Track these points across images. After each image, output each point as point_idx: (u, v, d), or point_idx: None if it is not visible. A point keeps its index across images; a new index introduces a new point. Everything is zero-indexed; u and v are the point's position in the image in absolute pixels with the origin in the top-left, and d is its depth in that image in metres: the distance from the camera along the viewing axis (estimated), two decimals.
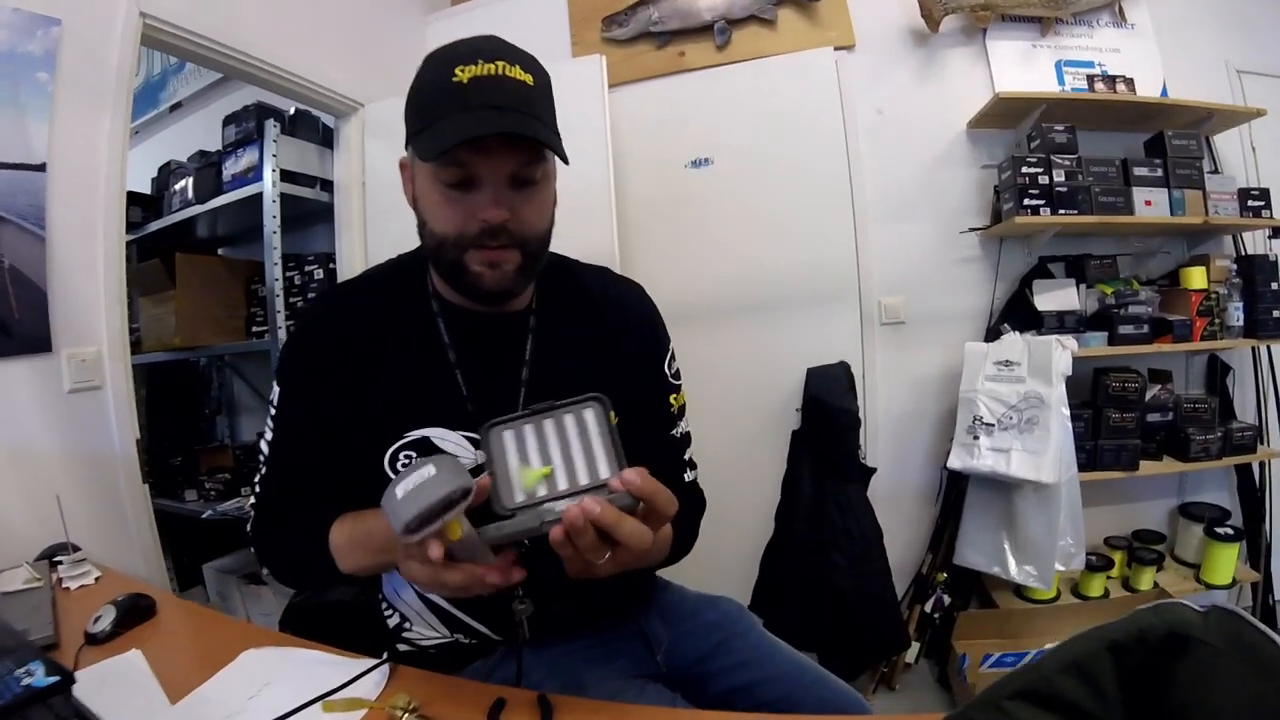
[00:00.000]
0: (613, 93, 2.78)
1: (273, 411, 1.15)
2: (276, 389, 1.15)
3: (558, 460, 0.91)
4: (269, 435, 1.16)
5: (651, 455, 1.19)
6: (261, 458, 1.17)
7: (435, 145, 0.94)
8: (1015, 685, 0.65)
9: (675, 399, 1.26)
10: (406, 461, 1.07)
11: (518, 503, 0.88)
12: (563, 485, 0.90)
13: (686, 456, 1.28)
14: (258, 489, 1.19)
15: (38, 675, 0.79)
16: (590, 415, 0.95)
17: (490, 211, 0.98)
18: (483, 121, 0.93)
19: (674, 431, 1.26)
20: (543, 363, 1.15)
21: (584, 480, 0.91)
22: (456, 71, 0.94)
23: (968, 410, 2.58)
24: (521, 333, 1.16)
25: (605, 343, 1.21)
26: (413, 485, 0.77)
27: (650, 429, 1.22)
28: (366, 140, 3.00)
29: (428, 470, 0.78)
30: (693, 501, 1.26)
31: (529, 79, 0.98)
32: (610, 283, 1.30)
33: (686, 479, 1.27)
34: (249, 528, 1.20)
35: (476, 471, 0.90)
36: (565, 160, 1.01)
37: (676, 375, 1.28)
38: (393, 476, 1.04)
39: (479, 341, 1.14)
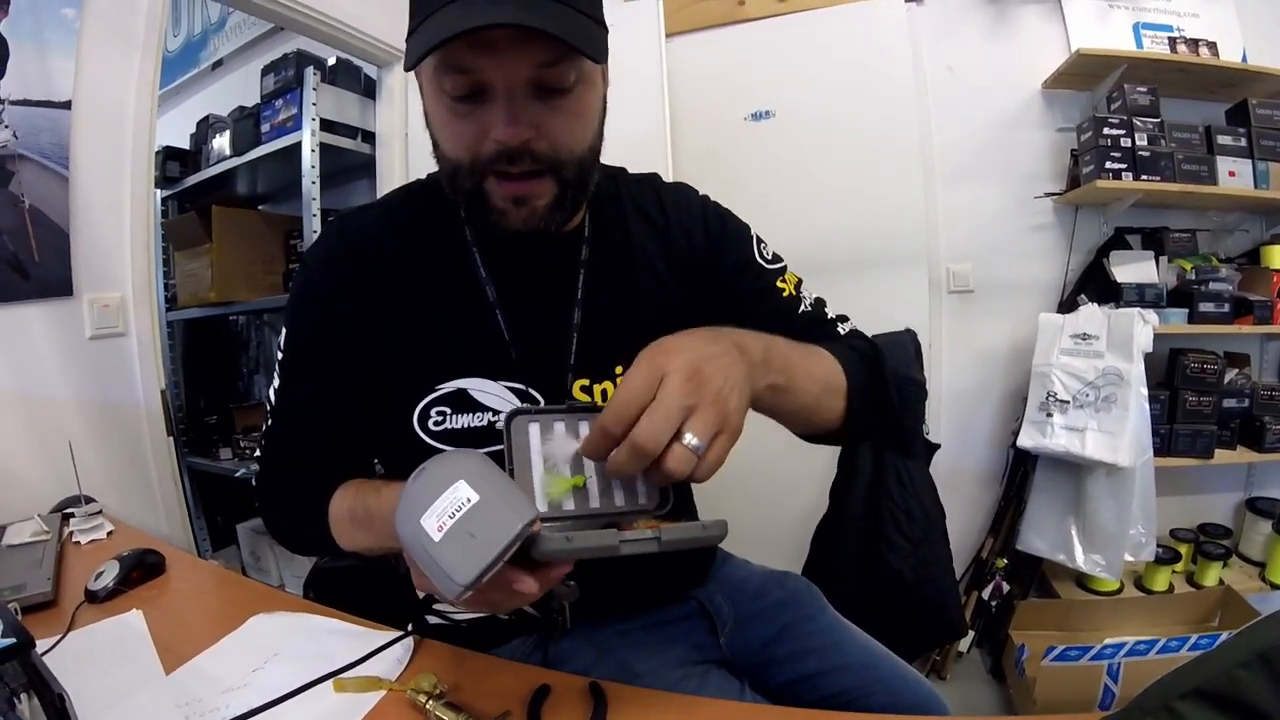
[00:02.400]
0: (668, 43, 2.68)
1: (279, 357, 1.00)
2: (284, 332, 1.00)
3: (590, 470, 0.78)
4: (276, 383, 1.01)
5: None
6: (268, 408, 1.03)
7: (412, 50, 0.76)
8: (1190, 682, 0.53)
9: (783, 282, 1.09)
10: (439, 420, 0.93)
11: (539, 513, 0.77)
12: (595, 504, 0.78)
13: (831, 317, 1.10)
14: (264, 443, 1.05)
15: None
16: None
17: (504, 130, 0.78)
18: (471, 11, 0.71)
19: (801, 310, 1.08)
20: (598, 300, 0.99)
21: (620, 502, 0.78)
22: None
23: (1041, 385, 2.45)
24: (572, 263, 1.00)
25: (675, 262, 1.06)
26: (452, 521, 0.60)
27: (775, 325, 1.02)
28: (410, 91, 2.91)
29: (461, 492, 0.61)
30: (859, 344, 1.08)
31: None
32: (662, 189, 1.13)
33: (844, 332, 1.10)
34: (254, 481, 1.09)
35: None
36: (597, 59, 0.78)
37: (775, 259, 1.11)
38: (423, 436, 0.93)
39: (522, 275, 0.97)
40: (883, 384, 1.04)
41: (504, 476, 0.64)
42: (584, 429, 0.81)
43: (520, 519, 0.59)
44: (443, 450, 0.91)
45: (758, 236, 1.12)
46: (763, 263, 1.10)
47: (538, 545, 0.62)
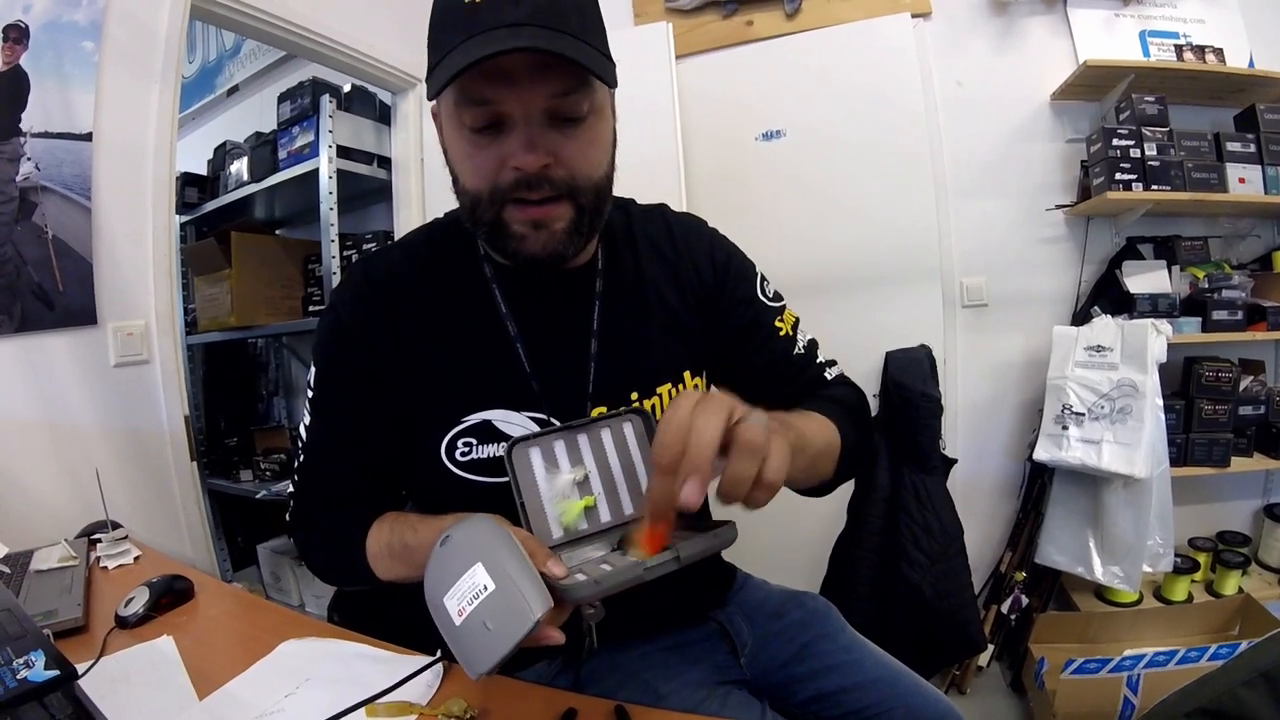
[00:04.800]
0: (678, 64, 2.72)
1: (309, 395, 1.03)
2: (313, 370, 1.03)
3: (597, 486, 0.82)
4: (306, 420, 1.04)
5: (782, 389, 1.09)
6: (300, 444, 1.06)
7: (435, 82, 0.79)
8: (1194, 701, 0.54)
9: (782, 321, 1.12)
10: (466, 450, 0.96)
11: (555, 539, 0.79)
12: (606, 518, 0.82)
13: (820, 361, 1.14)
14: (296, 478, 1.08)
15: (36, 668, 0.70)
16: (630, 430, 0.86)
17: (523, 157, 0.81)
18: (490, 42, 0.74)
19: (796, 351, 1.12)
20: (613, 330, 1.02)
21: (629, 510, 0.82)
22: None
23: (1056, 398, 2.45)
24: (587, 296, 1.03)
25: (684, 290, 1.09)
26: (470, 608, 0.63)
27: (771, 363, 1.11)
28: (425, 116, 2.94)
29: (479, 578, 0.64)
30: (846, 394, 1.13)
31: None
32: (672, 220, 1.16)
33: (830, 378, 1.14)
34: (288, 516, 1.11)
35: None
36: (609, 84, 0.84)
37: (776, 297, 1.15)
38: (450, 467, 0.96)
39: (540, 309, 1.00)
40: (865, 430, 1.09)
41: (521, 559, 0.65)
42: (583, 443, 0.84)
43: (531, 617, 0.61)
44: (469, 480, 0.96)
45: (762, 275, 1.16)
46: (764, 300, 1.13)
47: (569, 594, 0.64)
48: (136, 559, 1.48)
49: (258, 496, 3.14)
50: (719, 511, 0.81)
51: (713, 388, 1.12)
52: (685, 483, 0.64)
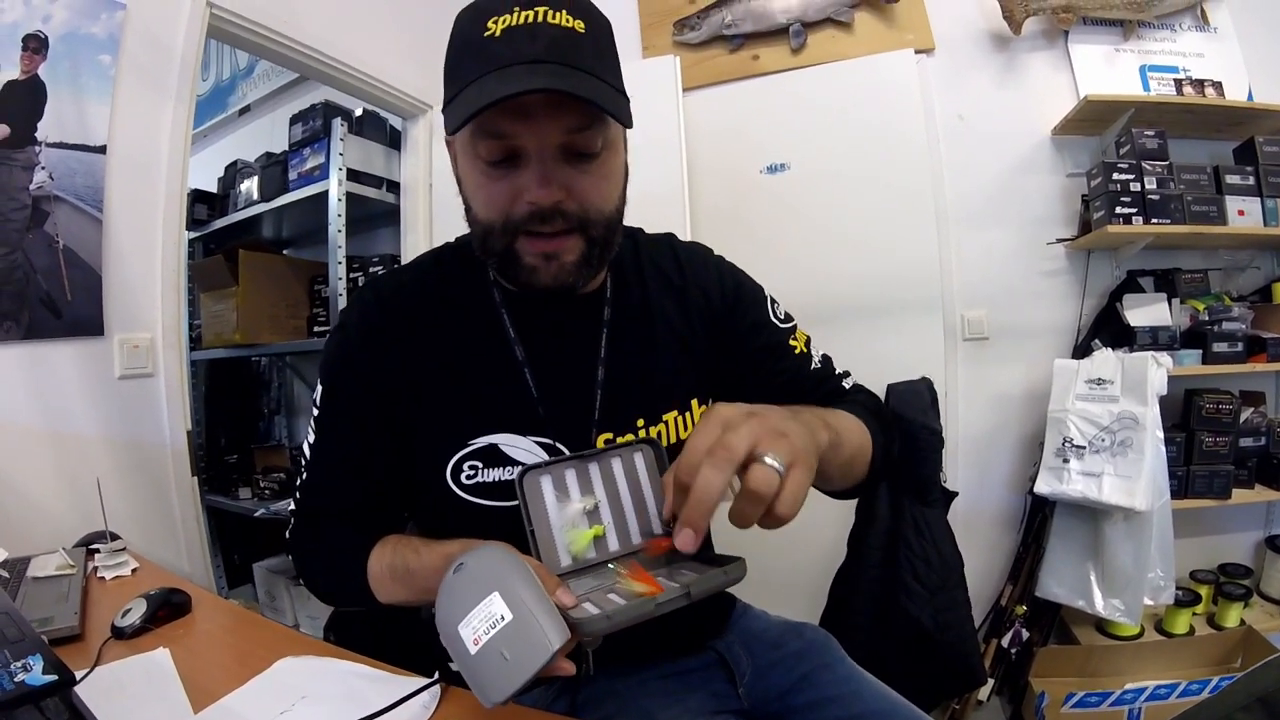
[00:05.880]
0: (685, 97, 2.74)
1: (315, 413, 1.03)
2: (320, 388, 1.03)
3: (606, 516, 0.83)
4: (311, 438, 1.04)
5: (803, 404, 1.07)
6: (303, 461, 1.06)
7: (454, 117, 0.80)
8: None
9: (794, 340, 1.13)
10: (471, 473, 0.96)
11: (564, 567, 0.80)
12: (614, 547, 0.82)
13: (837, 373, 1.16)
14: (298, 495, 1.08)
15: (34, 672, 0.70)
16: (640, 460, 0.86)
17: (537, 192, 0.83)
18: (510, 79, 0.76)
19: (812, 366, 1.13)
20: (620, 358, 1.03)
21: (638, 540, 0.83)
22: (488, 24, 0.78)
23: (1057, 431, 2.44)
24: (595, 323, 1.04)
25: (691, 319, 1.10)
26: (487, 637, 0.64)
27: (791, 381, 1.11)
28: (435, 142, 2.97)
29: (496, 607, 0.65)
30: (867, 399, 1.15)
31: (578, 24, 0.80)
32: (679, 249, 1.17)
33: (848, 388, 1.15)
34: (288, 534, 1.11)
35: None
36: (625, 124, 0.85)
37: (787, 318, 1.16)
38: (455, 490, 0.96)
39: (548, 335, 1.01)
40: (890, 433, 1.10)
41: (537, 589, 0.66)
42: (593, 472, 0.84)
43: (550, 648, 0.62)
44: (473, 503, 0.96)
45: (771, 297, 1.17)
46: (776, 322, 1.14)
47: (582, 628, 0.65)
48: (134, 571, 1.48)
49: (256, 515, 3.13)
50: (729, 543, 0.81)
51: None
52: (680, 531, 0.65)
